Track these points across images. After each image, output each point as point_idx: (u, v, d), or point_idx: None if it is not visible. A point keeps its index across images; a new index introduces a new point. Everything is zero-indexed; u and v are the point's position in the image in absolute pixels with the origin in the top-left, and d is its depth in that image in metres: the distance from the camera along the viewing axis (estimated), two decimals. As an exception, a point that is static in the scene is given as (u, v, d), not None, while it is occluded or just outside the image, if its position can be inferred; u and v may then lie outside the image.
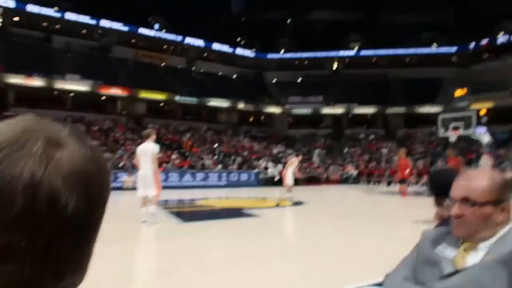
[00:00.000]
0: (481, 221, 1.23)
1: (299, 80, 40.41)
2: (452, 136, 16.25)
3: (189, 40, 37.41)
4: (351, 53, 41.24)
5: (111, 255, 4.66)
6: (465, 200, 1.25)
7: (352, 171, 25.27)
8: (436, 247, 1.34)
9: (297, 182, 14.01)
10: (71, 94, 28.15)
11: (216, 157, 24.17)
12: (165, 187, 17.47)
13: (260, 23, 43.03)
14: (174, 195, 14.27)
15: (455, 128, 15.95)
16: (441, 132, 16.73)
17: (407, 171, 13.18)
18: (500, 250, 1.18)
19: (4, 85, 25.05)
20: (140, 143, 7.66)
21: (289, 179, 12.06)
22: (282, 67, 41.82)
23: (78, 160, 0.40)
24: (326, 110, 36.06)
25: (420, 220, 7.37)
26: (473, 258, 1.23)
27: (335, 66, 41.56)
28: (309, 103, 36.18)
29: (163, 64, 36.10)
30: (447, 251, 1.30)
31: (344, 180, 24.33)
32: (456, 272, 1.22)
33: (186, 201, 13.06)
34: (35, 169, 0.37)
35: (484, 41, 35.57)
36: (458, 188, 1.29)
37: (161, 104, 32.73)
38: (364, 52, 40.51)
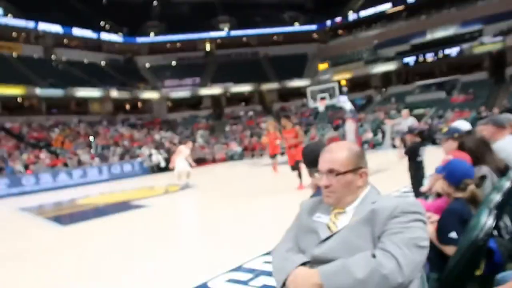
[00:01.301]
0: (345, 188, 1.39)
1: (173, 63, 39.48)
2: (320, 106, 17.56)
3: (44, 26, 33.10)
4: (222, 34, 41.60)
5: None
6: (330, 171, 1.40)
7: (236, 148, 26.00)
8: (313, 215, 1.46)
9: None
10: None
11: (93, 150, 22.47)
12: (37, 191, 15.73)
13: (124, 6, 40.29)
14: (48, 198, 12.91)
15: (322, 99, 17.17)
16: (311, 104, 18.00)
17: (277, 143, 12.86)
18: (362, 211, 1.34)
19: None
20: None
21: (180, 165, 11.56)
22: (154, 51, 40.20)
23: None
24: (204, 91, 36.12)
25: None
26: (343, 221, 1.37)
27: (208, 47, 41.59)
28: (186, 85, 35.76)
29: (15, 54, 31.61)
30: (322, 218, 1.42)
31: (230, 157, 24.95)
32: (331, 236, 1.34)
33: (64, 202, 11.86)
34: None
35: (338, 19, 39.31)
36: (324, 161, 1.43)
37: (19, 100, 28.90)
38: (234, 33, 41.24)
